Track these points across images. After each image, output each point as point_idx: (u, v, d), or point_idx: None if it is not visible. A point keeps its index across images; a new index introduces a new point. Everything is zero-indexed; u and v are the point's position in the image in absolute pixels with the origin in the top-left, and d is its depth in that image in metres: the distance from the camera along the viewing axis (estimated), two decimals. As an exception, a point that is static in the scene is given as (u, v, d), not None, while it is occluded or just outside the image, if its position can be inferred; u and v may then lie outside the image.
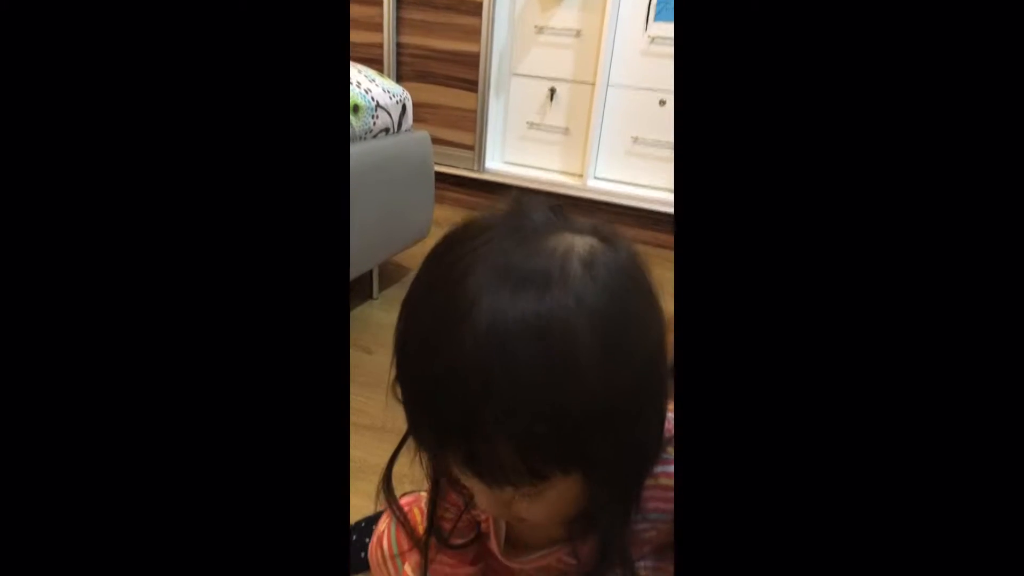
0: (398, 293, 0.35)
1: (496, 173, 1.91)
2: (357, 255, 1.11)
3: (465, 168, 1.92)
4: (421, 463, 0.43)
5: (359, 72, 1.18)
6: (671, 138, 1.74)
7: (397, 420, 0.38)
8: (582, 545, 0.43)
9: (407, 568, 0.55)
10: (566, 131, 1.85)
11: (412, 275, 0.37)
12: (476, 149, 1.89)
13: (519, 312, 0.29)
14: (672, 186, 1.78)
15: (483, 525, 0.51)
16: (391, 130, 1.22)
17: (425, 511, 0.50)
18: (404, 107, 1.24)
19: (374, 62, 1.87)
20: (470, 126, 1.88)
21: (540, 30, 1.77)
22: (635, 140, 1.78)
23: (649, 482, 0.41)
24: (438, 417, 0.32)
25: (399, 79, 1.90)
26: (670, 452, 0.42)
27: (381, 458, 0.46)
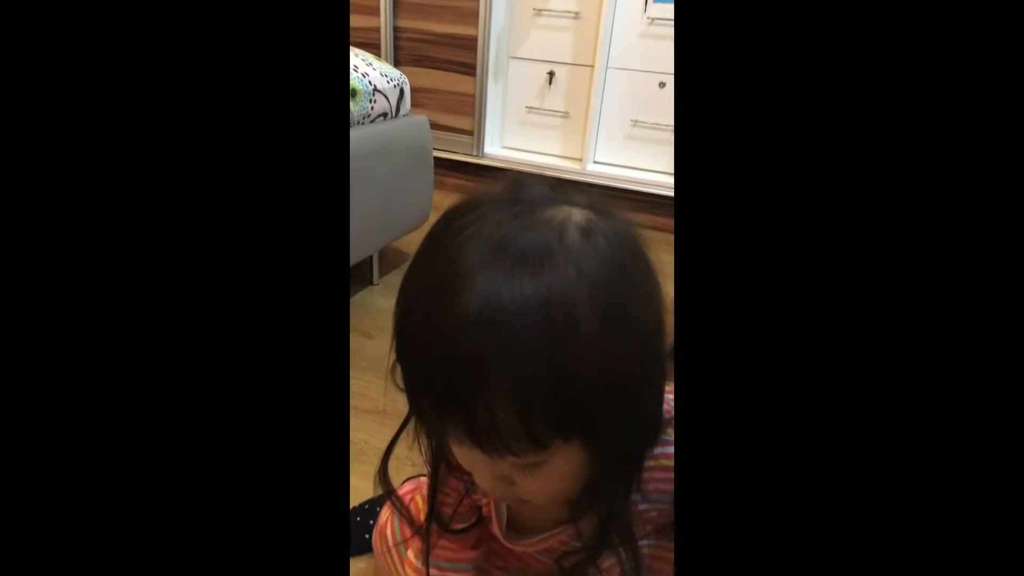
0: (398, 279, 0.36)
1: (495, 158, 1.90)
2: (356, 241, 1.11)
3: (464, 153, 1.91)
4: (420, 449, 0.44)
5: (356, 56, 1.17)
6: (671, 121, 1.73)
7: (397, 404, 0.38)
8: (584, 526, 0.44)
9: (410, 555, 0.55)
10: (565, 115, 1.84)
11: (412, 261, 0.37)
12: (475, 134, 1.88)
13: (518, 281, 0.29)
14: (671, 169, 1.78)
15: (484, 509, 0.52)
16: (389, 115, 1.21)
17: (426, 497, 0.51)
18: (402, 91, 1.23)
19: (371, 46, 1.85)
20: (468, 111, 1.87)
21: (538, 12, 1.75)
22: (634, 123, 1.77)
23: (650, 463, 0.41)
24: (439, 386, 0.32)
25: (396, 63, 1.88)
26: (670, 434, 0.42)
27: (382, 441, 0.46)
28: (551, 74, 1.81)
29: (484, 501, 0.50)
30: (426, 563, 0.52)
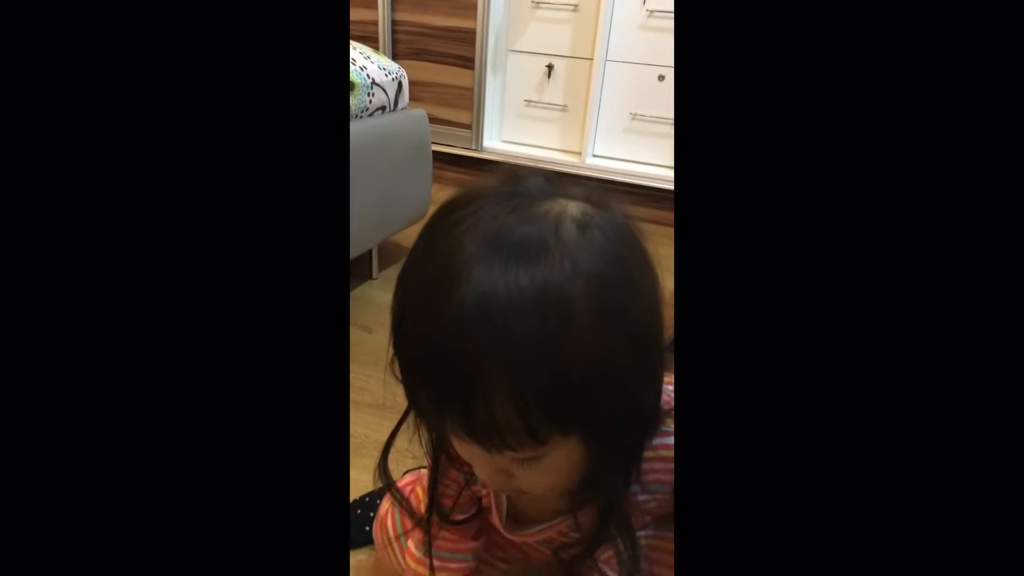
0: (397, 273, 0.36)
1: (494, 152, 1.90)
2: (355, 235, 1.11)
3: (463, 147, 1.91)
4: (420, 441, 0.44)
5: (354, 50, 1.17)
6: (670, 114, 1.72)
7: (397, 398, 0.38)
8: (583, 517, 0.44)
9: (411, 545, 0.56)
10: (564, 108, 1.84)
11: (411, 255, 0.37)
12: (474, 128, 1.88)
13: (514, 275, 0.29)
14: (670, 163, 1.77)
15: (484, 500, 0.52)
16: (387, 108, 1.21)
17: (426, 489, 0.51)
18: (400, 85, 1.23)
19: (369, 39, 1.84)
20: (467, 104, 1.86)
21: (537, 5, 1.74)
22: (633, 116, 1.76)
23: (649, 454, 0.42)
24: (436, 381, 0.32)
25: (395, 57, 1.88)
26: (670, 424, 0.42)
27: (382, 434, 0.46)
28: (550, 67, 1.80)
29: (484, 492, 0.51)
30: (428, 554, 0.52)
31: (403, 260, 0.36)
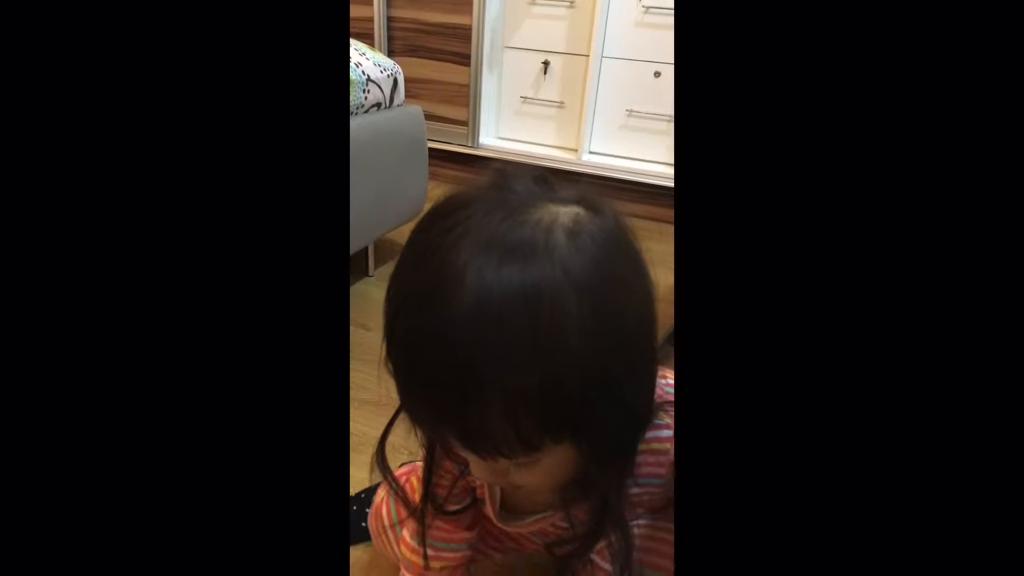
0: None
1: (491, 149, 1.89)
2: (352, 232, 1.11)
3: (459, 144, 1.90)
4: (416, 433, 0.44)
5: (350, 46, 1.17)
6: (666, 110, 1.72)
7: (394, 394, 0.38)
8: (576, 509, 0.44)
9: (405, 534, 0.56)
10: (560, 105, 1.83)
11: (407, 252, 0.37)
12: (470, 124, 1.87)
13: (506, 287, 0.29)
14: (667, 159, 1.77)
15: (478, 491, 0.52)
16: (383, 105, 1.21)
17: (421, 479, 0.51)
18: (396, 81, 1.23)
19: (365, 36, 1.84)
20: (463, 101, 1.86)
21: (533, 1, 1.74)
22: (630, 113, 1.76)
23: (641, 447, 0.42)
24: (430, 394, 0.33)
25: (390, 53, 1.87)
26: (661, 417, 0.42)
27: (380, 432, 0.47)
28: (546, 64, 1.80)
29: (478, 483, 0.51)
30: (422, 543, 0.53)
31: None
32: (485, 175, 0.35)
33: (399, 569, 0.57)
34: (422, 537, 0.52)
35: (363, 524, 0.70)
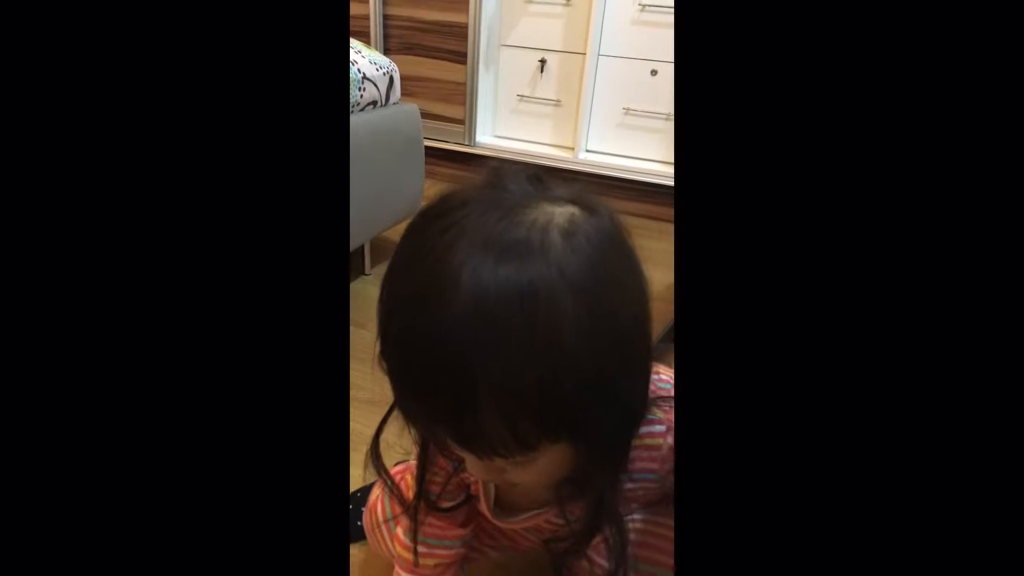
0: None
1: (487, 147, 1.89)
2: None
3: (456, 142, 1.90)
4: (410, 430, 0.44)
5: (349, 45, 1.16)
6: (663, 108, 1.72)
7: (388, 392, 0.38)
8: (571, 506, 0.44)
9: (399, 531, 0.56)
10: (557, 103, 1.83)
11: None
12: (466, 123, 1.87)
13: (502, 287, 0.29)
14: (663, 157, 1.77)
15: (472, 488, 0.52)
16: (379, 103, 1.20)
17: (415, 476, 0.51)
18: (392, 79, 1.22)
19: (361, 34, 1.83)
20: (460, 99, 1.86)
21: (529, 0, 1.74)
22: (626, 111, 1.76)
23: (635, 442, 0.42)
24: (425, 394, 0.33)
25: (386, 51, 1.87)
26: (654, 412, 0.42)
27: (375, 430, 0.47)
28: (542, 62, 1.79)
29: (472, 479, 0.51)
30: (414, 540, 0.53)
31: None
32: (480, 174, 0.35)
33: (394, 568, 0.57)
34: (415, 534, 0.52)
35: (358, 523, 0.70)
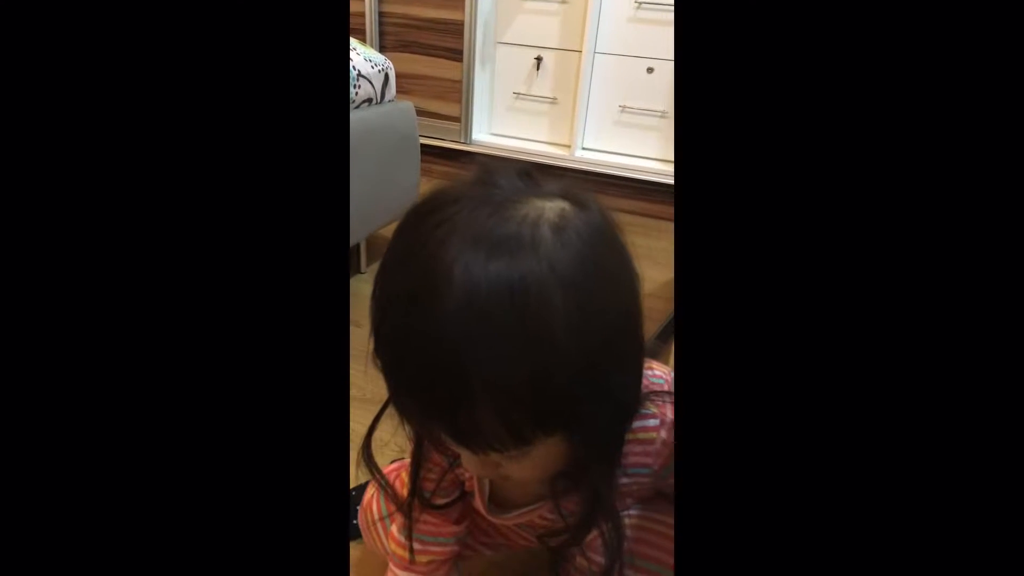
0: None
1: (483, 145, 1.89)
2: (343, 229, 1.10)
3: (452, 140, 1.90)
4: (404, 428, 0.44)
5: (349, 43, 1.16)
6: (659, 106, 1.72)
7: (381, 390, 0.38)
8: (565, 501, 0.44)
9: (393, 529, 0.56)
10: (553, 101, 1.83)
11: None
12: (462, 121, 1.87)
13: (492, 283, 0.29)
14: (660, 155, 1.77)
15: (467, 484, 0.52)
16: (374, 100, 1.20)
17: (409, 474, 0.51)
18: (387, 76, 1.22)
19: (356, 32, 1.83)
20: (456, 97, 1.85)
21: (525, -3, 1.74)
22: (623, 109, 1.76)
23: (628, 437, 0.42)
24: (418, 391, 0.33)
25: (382, 49, 1.86)
26: (648, 407, 0.43)
27: (367, 428, 0.46)
28: (539, 59, 1.79)
29: (467, 475, 0.51)
30: (408, 537, 0.53)
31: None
32: (470, 171, 0.35)
33: (388, 566, 0.57)
34: (409, 531, 0.52)
35: (352, 522, 0.69)
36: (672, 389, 0.44)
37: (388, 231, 1.44)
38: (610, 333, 0.33)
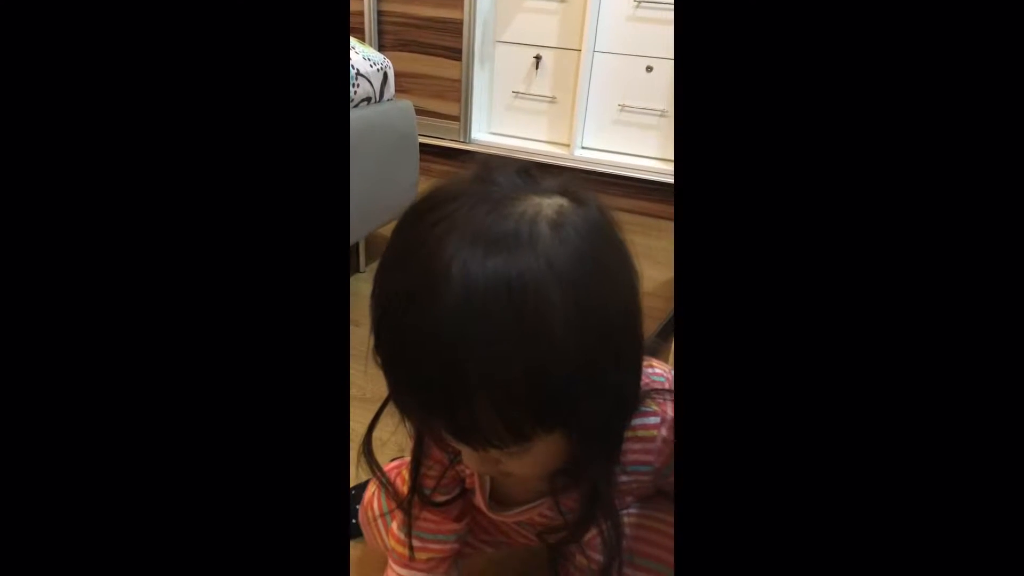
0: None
1: (482, 144, 1.89)
2: (342, 228, 1.10)
3: (451, 139, 1.90)
4: (405, 425, 0.44)
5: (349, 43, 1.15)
6: (658, 105, 1.72)
7: (380, 389, 0.38)
8: (565, 499, 0.44)
9: (394, 526, 0.56)
10: (552, 100, 1.83)
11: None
12: (461, 120, 1.87)
13: (490, 280, 0.29)
14: (659, 154, 1.77)
15: (468, 481, 0.52)
16: (373, 99, 1.20)
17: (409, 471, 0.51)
18: (386, 75, 1.22)
19: (355, 31, 1.83)
20: (455, 96, 1.85)
21: (524, -5, 1.73)
22: (622, 108, 1.76)
23: (628, 434, 0.42)
24: (418, 388, 0.33)
25: (381, 48, 1.86)
26: (648, 404, 0.43)
27: (367, 427, 0.46)
28: (538, 58, 1.79)
29: (468, 472, 0.51)
30: (408, 535, 0.53)
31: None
32: (469, 168, 0.35)
33: (388, 563, 0.57)
34: (409, 529, 0.53)
35: (352, 521, 0.69)
36: (673, 387, 0.44)
37: (387, 230, 1.44)
38: (608, 330, 0.33)
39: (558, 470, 0.41)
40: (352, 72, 1.12)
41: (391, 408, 0.41)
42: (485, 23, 1.78)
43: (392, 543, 0.56)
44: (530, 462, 0.37)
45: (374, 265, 1.34)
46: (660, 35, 1.65)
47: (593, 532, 0.43)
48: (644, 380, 0.40)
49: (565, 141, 1.85)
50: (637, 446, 0.44)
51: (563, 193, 0.33)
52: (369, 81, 1.17)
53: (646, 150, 1.78)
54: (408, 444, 0.50)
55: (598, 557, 0.48)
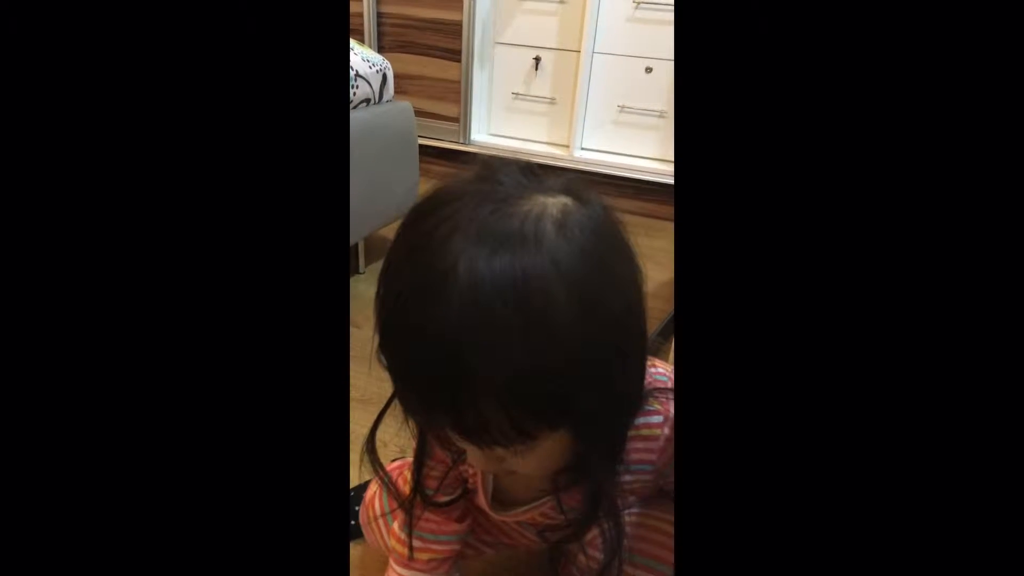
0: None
1: (482, 145, 1.89)
2: (342, 229, 1.10)
3: (450, 141, 1.90)
4: (408, 424, 0.44)
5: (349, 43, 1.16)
6: (657, 106, 1.72)
7: (383, 391, 0.38)
8: (567, 498, 0.44)
9: (395, 526, 0.56)
10: (552, 101, 1.83)
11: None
12: (461, 121, 1.87)
13: (496, 278, 0.29)
14: (658, 155, 1.77)
15: (470, 481, 0.52)
16: (372, 100, 1.20)
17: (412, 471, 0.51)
18: (385, 77, 1.22)
19: (354, 32, 1.83)
20: (454, 97, 1.85)
21: (523, -3, 1.74)
22: (621, 109, 1.76)
23: (631, 433, 0.42)
24: (423, 385, 0.33)
25: (380, 49, 1.86)
26: (651, 403, 0.43)
27: (369, 429, 0.46)
28: (537, 59, 1.79)
29: (470, 472, 0.51)
30: (409, 535, 0.53)
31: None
32: (472, 168, 0.35)
33: (389, 563, 0.57)
34: (410, 529, 0.52)
35: (352, 523, 0.69)
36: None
37: (387, 232, 1.44)
38: (612, 327, 0.33)
39: (562, 469, 0.41)
40: (351, 74, 1.12)
41: (393, 410, 0.41)
42: (484, 24, 1.78)
43: (393, 543, 0.56)
44: (535, 460, 0.37)
45: (374, 266, 1.35)
46: (659, 36, 1.65)
47: (594, 531, 0.43)
48: (648, 379, 0.40)
49: (565, 142, 1.85)
50: (640, 445, 0.44)
51: (567, 192, 0.34)
52: (368, 83, 1.17)
53: (645, 151, 1.79)
54: (410, 445, 0.50)
55: (599, 556, 0.48)
